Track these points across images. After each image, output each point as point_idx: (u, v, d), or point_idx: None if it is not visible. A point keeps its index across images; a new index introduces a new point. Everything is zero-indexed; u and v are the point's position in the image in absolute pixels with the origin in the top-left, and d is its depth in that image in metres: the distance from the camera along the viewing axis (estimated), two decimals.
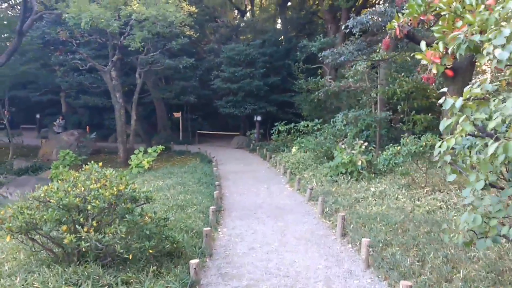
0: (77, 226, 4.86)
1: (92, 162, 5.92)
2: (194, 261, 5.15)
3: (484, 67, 21.51)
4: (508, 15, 3.16)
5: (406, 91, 13.86)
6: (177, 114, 26.83)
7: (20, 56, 23.50)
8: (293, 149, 17.01)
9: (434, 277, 5.01)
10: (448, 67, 4.22)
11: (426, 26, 8.36)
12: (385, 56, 13.64)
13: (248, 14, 34.52)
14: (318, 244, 6.89)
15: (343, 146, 12.24)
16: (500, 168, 3.51)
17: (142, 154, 16.16)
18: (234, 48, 24.80)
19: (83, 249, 4.75)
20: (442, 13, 4.00)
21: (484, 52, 2.99)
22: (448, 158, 3.61)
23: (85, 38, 18.45)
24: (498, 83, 3.58)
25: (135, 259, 5.17)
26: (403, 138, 10.22)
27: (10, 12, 25.77)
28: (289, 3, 30.71)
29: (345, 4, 19.79)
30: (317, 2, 27.41)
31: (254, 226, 8.05)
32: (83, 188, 5.05)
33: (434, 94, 16.16)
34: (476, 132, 3.39)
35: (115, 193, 5.04)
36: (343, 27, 12.12)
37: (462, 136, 3.32)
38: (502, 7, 3.16)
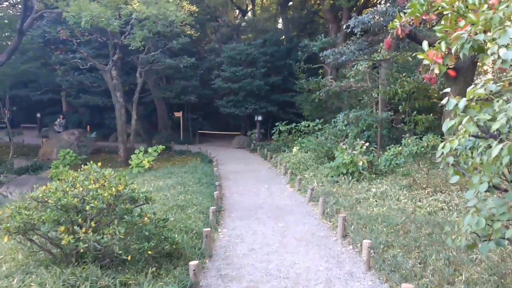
0: (75, 227, 4.80)
1: (91, 162, 5.87)
2: (193, 263, 5.10)
3: (485, 68, 21.45)
4: None
5: (407, 91, 13.80)
6: (178, 114, 26.79)
7: (21, 55, 23.47)
8: (294, 149, 16.96)
9: (436, 279, 4.96)
10: (450, 67, 4.18)
11: (428, 26, 8.31)
12: (386, 56, 13.59)
13: (249, 14, 34.47)
14: (319, 246, 6.84)
15: (344, 147, 12.19)
16: (502, 170, 3.46)
17: (143, 153, 16.12)
18: (235, 47, 24.75)
19: (82, 250, 4.71)
20: (445, 13, 3.96)
21: (489, 52, 2.94)
22: (451, 159, 3.56)
23: (86, 37, 18.41)
24: (502, 83, 3.52)
25: (134, 260, 5.13)
26: (405, 139, 10.16)
27: (11, 11, 25.77)
28: (290, 3, 30.65)
29: (347, 4, 19.73)
30: (318, 1, 27.34)
31: (254, 227, 8.00)
32: (81, 189, 5.00)
33: (435, 95, 16.11)
34: (479, 133, 3.33)
35: (114, 193, 4.99)
36: (344, 26, 12.06)
37: (465, 138, 3.27)
38: (507, 6, 3.10)
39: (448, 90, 3.48)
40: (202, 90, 27.29)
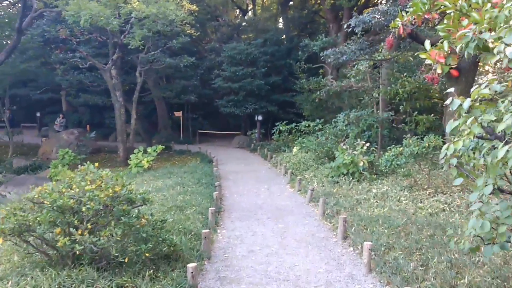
0: (71, 229, 4.72)
1: (88, 162, 5.79)
2: (191, 265, 5.02)
3: (487, 68, 21.36)
4: None
5: (408, 91, 13.71)
6: (178, 113, 26.70)
7: (21, 54, 23.41)
8: (294, 149, 16.88)
9: (438, 282, 4.87)
10: (453, 67, 4.10)
11: (430, 25, 8.23)
12: (387, 56, 13.50)
13: (249, 13, 34.40)
14: (319, 247, 6.76)
15: (344, 147, 12.11)
16: (504, 171, 3.38)
17: (142, 153, 16.03)
18: (235, 47, 24.66)
19: (78, 252, 4.63)
20: (447, 12, 3.87)
21: (495, 51, 2.85)
22: (454, 161, 3.47)
23: (85, 36, 18.32)
24: (506, 83, 3.44)
25: (131, 262, 5.05)
26: (406, 139, 10.08)
27: (11, 10, 25.69)
28: (291, 2, 30.57)
29: (347, 4, 19.65)
30: (319, 1, 27.27)
31: (254, 228, 7.92)
32: (78, 189, 4.92)
33: (436, 95, 16.04)
34: (484, 134, 3.25)
35: (111, 194, 4.91)
36: (345, 26, 11.99)
37: (469, 139, 3.19)
38: None
39: (452, 90, 3.40)
40: (202, 90, 27.21)
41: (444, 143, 9.54)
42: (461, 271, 5.16)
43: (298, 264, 6.01)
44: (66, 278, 4.57)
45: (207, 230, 6.46)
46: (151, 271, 5.00)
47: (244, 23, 31.59)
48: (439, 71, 4.04)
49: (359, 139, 12.59)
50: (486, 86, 3.17)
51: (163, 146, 17.43)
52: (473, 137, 3.17)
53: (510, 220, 3.17)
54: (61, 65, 23.53)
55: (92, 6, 14.04)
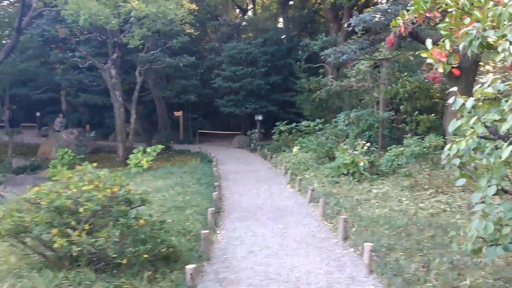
0: (68, 230, 4.66)
1: (86, 162, 5.74)
2: (190, 266, 4.97)
3: (487, 68, 21.29)
4: None
5: (409, 91, 13.66)
6: (178, 113, 26.64)
7: (20, 53, 23.36)
8: (294, 149, 16.82)
9: (439, 284, 4.82)
10: (455, 66, 4.04)
11: (431, 24, 8.17)
12: (388, 55, 13.45)
13: (249, 13, 34.32)
14: (319, 248, 6.70)
15: (344, 147, 12.04)
16: (506, 171, 3.33)
17: (141, 153, 15.96)
18: (235, 46, 24.59)
19: (75, 254, 4.57)
20: (449, 10, 3.82)
21: (499, 49, 2.80)
22: (457, 161, 3.42)
23: (85, 35, 18.26)
24: (509, 82, 3.39)
25: (130, 263, 4.97)
26: (406, 139, 10.03)
27: (11, 9, 25.64)
28: (291, 2, 30.49)
29: (348, 3, 19.58)
30: (319, 0, 27.22)
31: (254, 228, 7.87)
32: (75, 190, 4.86)
33: (437, 94, 15.98)
34: (487, 134, 3.19)
35: (109, 195, 4.86)
36: (345, 25, 11.93)
37: (472, 139, 3.13)
38: None
39: (455, 89, 3.34)
40: (202, 90, 27.13)
41: (445, 143, 9.51)
42: (462, 272, 5.10)
43: (298, 265, 5.95)
44: (64, 280, 4.51)
45: (207, 231, 6.42)
46: (150, 272, 4.94)
47: (244, 23, 31.53)
48: (441, 70, 3.99)
49: (359, 139, 12.53)
50: (489, 85, 3.12)
51: (163, 146, 17.36)
52: (477, 137, 3.12)
53: None
54: (60, 65, 23.47)
55: (92, 5, 13.97)
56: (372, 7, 13.69)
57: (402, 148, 9.87)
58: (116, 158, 18.81)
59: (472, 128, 3.09)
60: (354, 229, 7.18)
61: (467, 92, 8.07)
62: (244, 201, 10.29)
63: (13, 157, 19.56)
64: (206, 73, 27.15)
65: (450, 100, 3.20)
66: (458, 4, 3.78)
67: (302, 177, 12.39)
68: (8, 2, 25.65)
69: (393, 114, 14.43)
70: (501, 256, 5.40)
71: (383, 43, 13.87)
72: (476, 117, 3.02)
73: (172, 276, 5.05)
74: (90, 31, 17.92)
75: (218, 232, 7.64)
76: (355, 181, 10.93)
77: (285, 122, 19.98)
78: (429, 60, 3.95)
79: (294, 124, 19.47)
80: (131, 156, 15.93)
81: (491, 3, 3.34)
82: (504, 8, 3.00)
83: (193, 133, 27.16)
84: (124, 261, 4.78)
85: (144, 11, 14.78)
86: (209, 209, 8.03)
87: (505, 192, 3.30)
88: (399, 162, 9.89)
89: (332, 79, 18.05)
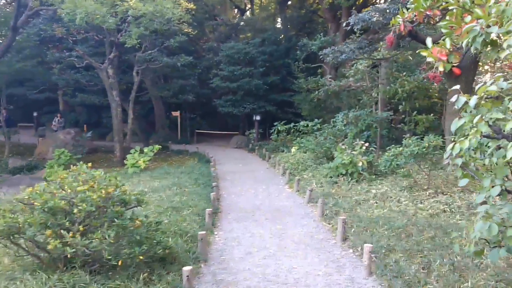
0: (62, 231, 4.57)
1: (81, 162, 5.64)
2: (186, 268, 4.88)
3: (486, 67, 21.28)
4: None
5: (407, 90, 13.59)
6: (176, 113, 26.51)
7: (17, 53, 23.19)
8: (293, 149, 16.74)
9: (441, 286, 4.75)
10: (455, 65, 3.97)
11: (431, 23, 8.11)
12: (386, 55, 13.39)
13: (247, 13, 34.24)
14: (318, 249, 6.62)
15: (343, 147, 11.98)
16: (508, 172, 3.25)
17: (139, 153, 15.86)
18: (233, 46, 24.50)
19: (69, 255, 4.47)
20: (450, 8, 3.75)
21: (504, 45, 2.73)
22: (459, 161, 3.35)
23: (82, 35, 18.14)
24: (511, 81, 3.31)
25: (125, 265, 4.89)
26: (405, 139, 9.97)
27: (8, 9, 25.48)
28: (289, 2, 30.41)
29: (346, 3, 19.51)
30: (317, 0, 27.13)
31: (252, 229, 7.78)
32: (69, 190, 4.77)
33: (436, 94, 15.93)
34: (491, 133, 3.12)
35: (104, 195, 4.76)
36: (344, 24, 11.84)
37: (476, 138, 3.06)
38: None
39: (457, 87, 3.26)
40: (200, 89, 27.03)
41: (443, 143, 9.44)
42: (464, 274, 5.03)
43: (297, 266, 5.88)
44: (57, 282, 4.42)
45: (204, 232, 6.33)
46: (146, 274, 4.86)
47: (242, 23, 31.44)
48: (441, 69, 3.92)
49: (358, 139, 12.47)
50: (492, 83, 3.04)
51: (160, 146, 17.26)
52: (480, 136, 3.05)
53: None
54: (57, 64, 23.35)
55: (88, 4, 13.85)
56: (370, 7, 13.61)
57: (401, 148, 9.79)
58: (113, 158, 18.67)
59: (475, 127, 3.01)
60: (353, 229, 7.11)
61: (467, 91, 8.00)
62: (242, 202, 10.20)
63: (10, 157, 19.41)
64: (204, 73, 27.03)
65: (453, 99, 3.12)
66: (459, 1, 3.71)
67: (301, 177, 12.32)
68: (5, 1, 25.49)
69: (392, 114, 14.37)
70: (503, 258, 5.34)
71: (381, 43, 13.83)
72: (479, 115, 2.94)
73: (169, 278, 4.97)
74: (87, 30, 17.80)
75: (215, 233, 7.56)
76: (353, 181, 10.86)
77: (283, 122, 19.90)
78: (429, 59, 3.88)
79: (292, 124, 19.38)
80: (128, 156, 15.82)
81: (492, 0, 3.27)
82: (507, 5, 2.92)
83: (191, 133, 27.05)
84: (120, 263, 4.69)
85: (142, 10, 14.67)
86: (207, 209, 7.95)
87: (509, 192, 3.23)
88: (398, 162, 9.81)
89: (330, 79, 17.98)
